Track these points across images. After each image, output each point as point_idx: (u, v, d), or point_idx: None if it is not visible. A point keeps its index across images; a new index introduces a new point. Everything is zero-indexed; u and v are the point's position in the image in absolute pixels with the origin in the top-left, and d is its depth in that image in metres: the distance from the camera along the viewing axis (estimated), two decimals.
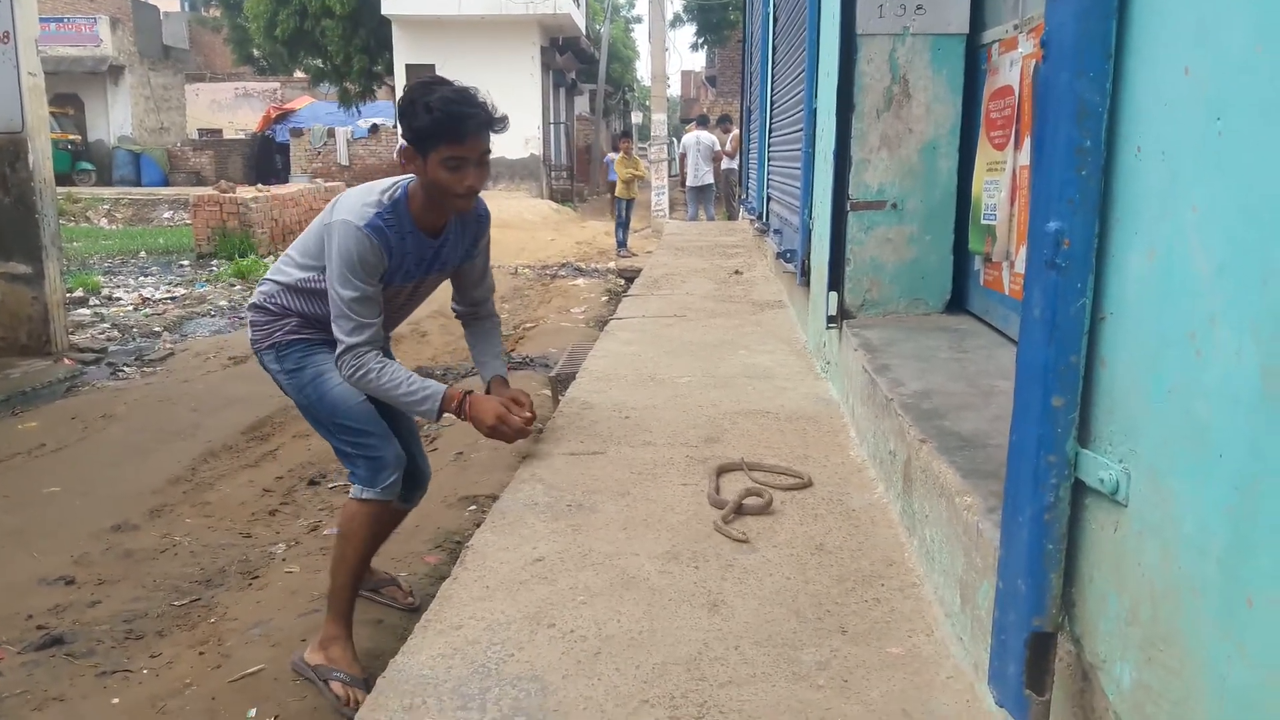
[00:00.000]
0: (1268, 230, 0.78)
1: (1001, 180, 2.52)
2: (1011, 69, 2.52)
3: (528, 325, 7.79)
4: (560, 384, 3.90)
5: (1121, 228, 1.00)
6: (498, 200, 19.98)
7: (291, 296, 2.45)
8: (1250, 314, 0.80)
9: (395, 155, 2.53)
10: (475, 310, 2.80)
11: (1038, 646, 1.08)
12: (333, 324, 2.33)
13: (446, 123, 2.22)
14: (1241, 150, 0.82)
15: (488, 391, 2.68)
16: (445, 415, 2.45)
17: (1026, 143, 2.34)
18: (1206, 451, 0.85)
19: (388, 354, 2.64)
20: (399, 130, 3.13)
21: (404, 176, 2.38)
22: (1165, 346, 0.92)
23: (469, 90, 2.29)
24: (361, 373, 2.35)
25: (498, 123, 2.31)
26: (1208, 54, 0.87)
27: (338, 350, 2.34)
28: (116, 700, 2.42)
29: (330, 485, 4.04)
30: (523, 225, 17.45)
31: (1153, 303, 0.95)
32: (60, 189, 8.56)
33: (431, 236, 2.42)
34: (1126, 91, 1.00)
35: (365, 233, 2.27)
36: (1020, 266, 2.42)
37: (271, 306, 2.48)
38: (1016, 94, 2.46)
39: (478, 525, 2.19)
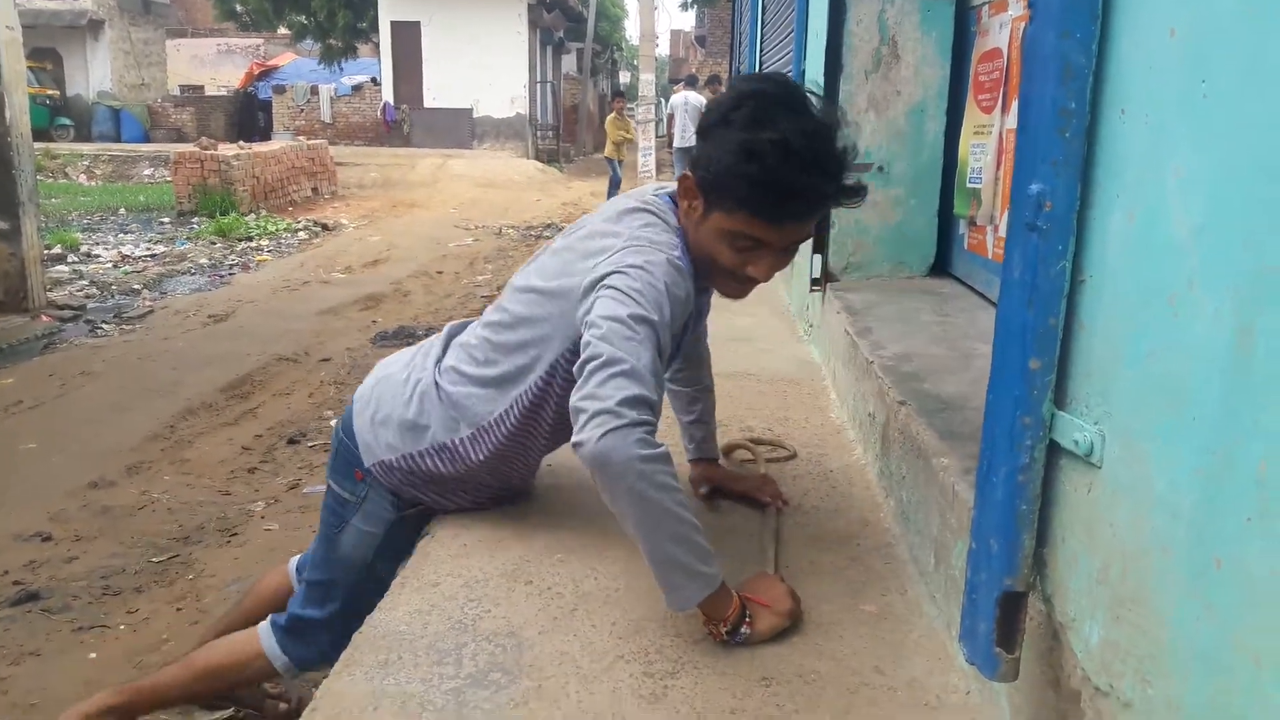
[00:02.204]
0: (1248, 193, 0.77)
1: (988, 144, 2.51)
2: (1001, 31, 2.50)
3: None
4: None
5: (1103, 190, 1.00)
6: (482, 160, 19.85)
7: (496, 430, 1.67)
8: (1229, 276, 0.79)
9: (674, 183, 1.61)
10: (697, 374, 2.06)
11: (1009, 605, 1.09)
12: (592, 370, 1.38)
13: (775, 194, 1.44)
14: (1225, 113, 0.81)
15: (696, 466, 2.05)
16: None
17: (1014, 106, 2.33)
18: (1181, 414, 0.86)
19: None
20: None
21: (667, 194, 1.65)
22: (1144, 309, 0.92)
23: (834, 131, 1.48)
24: (644, 455, 1.33)
25: (851, 195, 1.52)
26: (1193, 15, 0.86)
27: (592, 409, 1.35)
28: (93, 655, 2.42)
29: (310, 444, 4.04)
30: (508, 185, 17.35)
31: (1133, 265, 0.94)
32: (38, 145, 8.43)
33: (699, 291, 1.65)
34: (1112, 53, 0.99)
35: (682, 266, 1.53)
36: (1004, 230, 2.42)
37: (452, 448, 1.70)
38: (1005, 57, 2.44)
39: None
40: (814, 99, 1.51)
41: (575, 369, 1.43)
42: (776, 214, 1.47)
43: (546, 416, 1.67)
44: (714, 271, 1.58)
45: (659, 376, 1.42)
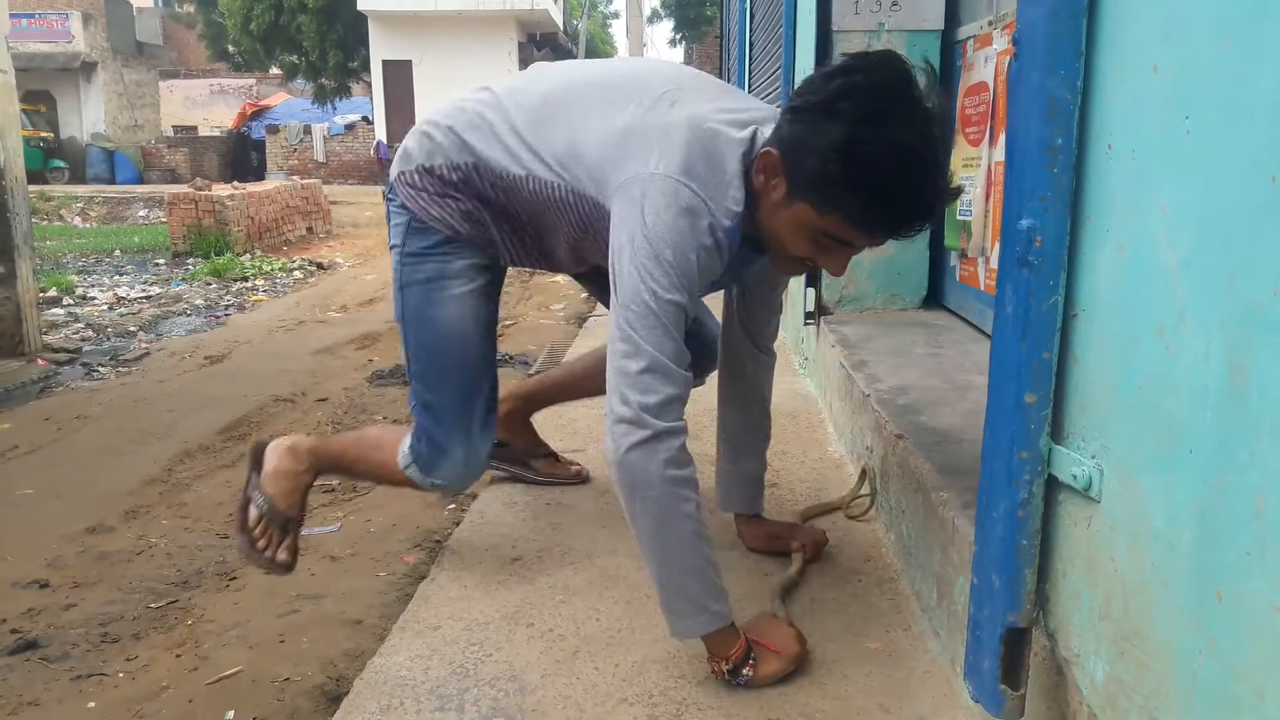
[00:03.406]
0: (1233, 228, 0.79)
1: (977, 176, 2.53)
2: (986, 65, 2.53)
3: (507, 323, 7.76)
4: None
5: (1093, 225, 1.01)
6: None
7: (506, 186, 1.60)
8: (1217, 311, 0.80)
9: (753, 164, 1.42)
10: (755, 341, 1.89)
11: (1012, 642, 1.09)
12: (616, 359, 1.37)
13: (880, 206, 1.31)
14: (1209, 148, 0.82)
15: (742, 517, 1.96)
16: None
17: (1001, 139, 2.35)
18: (1176, 447, 0.86)
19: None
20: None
21: (733, 143, 1.44)
22: (1136, 343, 0.93)
23: (944, 127, 1.30)
24: (670, 477, 1.35)
25: (953, 198, 1.37)
26: (1175, 52, 0.87)
27: (620, 413, 1.35)
28: (92, 704, 2.39)
29: None
30: None
31: (1123, 300, 0.95)
32: (32, 187, 8.48)
33: (752, 250, 1.55)
34: (1097, 89, 1.01)
35: (721, 241, 1.41)
36: (995, 262, 2.43)
37: (447, 174, 1.64)
38: (991, 90, 2.47)
39: (457, 524, 2.18)
40: (923, 82, 1.30)
41: (610, 340, 1.39)
42: (877, 226, 1.35)
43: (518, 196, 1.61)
44: (778, 251, 1.46)
45: (683, 358, 1.38)
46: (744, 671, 1.43)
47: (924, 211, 1.33)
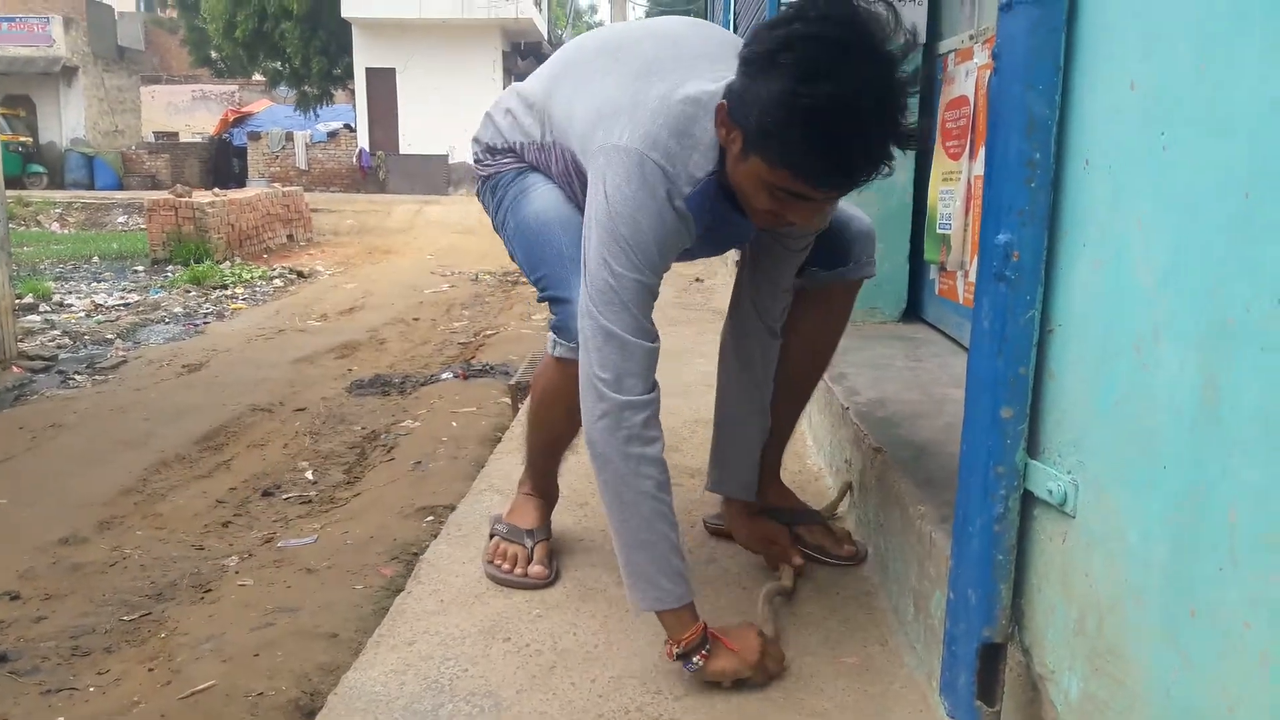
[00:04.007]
0: (1208, 245, 0.79)
1: (956, 190, 2.54)
2: (967, 79, 2.54)
3: (488, 332, 7.74)
4: (520, 392, 3.89)
5: (1070, 240, 1.01)
6: (459, 206, 19.91)
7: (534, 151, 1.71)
8: (1193, 327, 0.81)
9: (706, 115, 1.40)
10: (764, 320, 1.80)
11: (988, 657, 1.09)
12: (583, 334, 1.44)
13: (826, 158, 1.26)
14: (1184, 165, 0.83)
15: (726, 504, 1.95)
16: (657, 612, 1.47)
17: (981, 153, 2.36)
18: (1151, 463, 0.86)
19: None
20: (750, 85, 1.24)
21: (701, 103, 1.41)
22: (1111, 359, 0.93)
23: (899, 68, 1.25)
24: (630, 455, 1.41)
25: (907, 143, 1.31)
26: (1152, 69, 0.88)
27: (585, 387, 1.44)
28: (61, 719, 2.36)
29: (285, 496, 3.98)
30: (485, 231, 17.36)
31: (1099, 315, 0.95)
32: (10, 192, 8.41)
33: (735, 211, 1.50)
34: (1075, 104, 1.01)
35: (681, 210, 1.41)
36: (974, 276, 2.44)
37: (505, 147, 1.76)
38: (972, 104, 2.48)
39: (434, 537, 2.17)
40: (880, 22, 1.25)
41: (580, 310, 1.46)
42: (825, 178, 1.30)
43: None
44: (746, 204, 1.44)
45: (644, 332, 1.42)
46: (694, 659, 1.44)
47: (872, 163, 1.28)
